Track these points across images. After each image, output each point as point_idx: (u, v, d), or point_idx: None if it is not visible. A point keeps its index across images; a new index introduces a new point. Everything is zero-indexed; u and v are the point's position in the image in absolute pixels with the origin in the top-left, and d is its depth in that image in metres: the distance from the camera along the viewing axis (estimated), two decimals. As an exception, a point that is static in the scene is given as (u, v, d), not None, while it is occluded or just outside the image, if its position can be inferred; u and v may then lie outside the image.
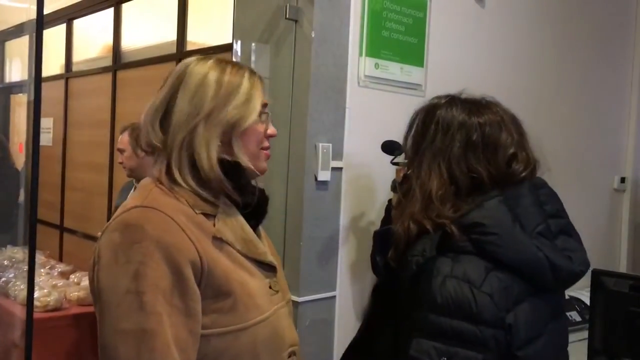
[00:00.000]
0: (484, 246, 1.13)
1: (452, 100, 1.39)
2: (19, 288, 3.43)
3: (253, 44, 2.31)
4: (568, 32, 3.31)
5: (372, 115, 2.42)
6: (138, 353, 0.91)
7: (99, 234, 1.04)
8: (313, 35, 2.19)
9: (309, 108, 2.20)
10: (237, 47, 2.42)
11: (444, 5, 2.63)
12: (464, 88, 1.53)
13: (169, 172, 1.07)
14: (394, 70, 2.44)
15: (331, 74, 2.26)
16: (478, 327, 1.06)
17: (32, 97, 2.02)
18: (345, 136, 2.31)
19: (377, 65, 2.38)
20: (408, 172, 1.35)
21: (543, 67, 3.19)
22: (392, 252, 1.18)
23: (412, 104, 2.58)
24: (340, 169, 2.30)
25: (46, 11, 4.82)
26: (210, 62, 1.15)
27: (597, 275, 2.10)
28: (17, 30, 5.34)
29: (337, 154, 2.28)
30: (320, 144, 2.22)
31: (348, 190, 2.34)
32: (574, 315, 3.08)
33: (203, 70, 1.13)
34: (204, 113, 1.08)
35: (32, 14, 5.28)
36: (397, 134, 2.52)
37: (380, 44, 2.38)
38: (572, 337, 2.93)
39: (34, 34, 4.84)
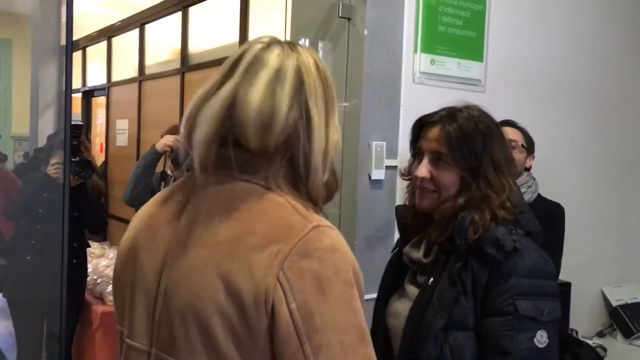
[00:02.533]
0: (524, 223, 1.34)
1: (471, 107, 1.43)
2: (96, 283, 3.62)
3: (306, 41, 2.32)
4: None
5: (427, 112, 2.37)
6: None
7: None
8: (366, 33, 2.19)
9: (363, 106, 2.20)
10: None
11: (505, -4, 2.54)
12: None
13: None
14: (451, 65, 2.39)
15: (385, 72, 2.25)
16: (553, 282, 1.31)
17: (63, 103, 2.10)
18: (400, 134, 2.29)
19: (432, 61, 2.34)
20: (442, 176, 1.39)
21: (618, 60, 3.02)
22: (472, 236, 1.30)
23: (471, 99, 2.52)
24: (395, 167, 2.28)
25: (120, 17, 5.10)
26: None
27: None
28: (97, 36, 5.65)
29: (392, 153, 2.27)
30: (374, 143, 2.21)
31: (403, 189, 2.30)
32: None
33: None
34: None
35: (109, 20, 5.56)
36: None
37: (436, 40, 2.34)
38: None
39: (109, 40, 5.05)
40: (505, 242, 1.26)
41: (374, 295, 2.20)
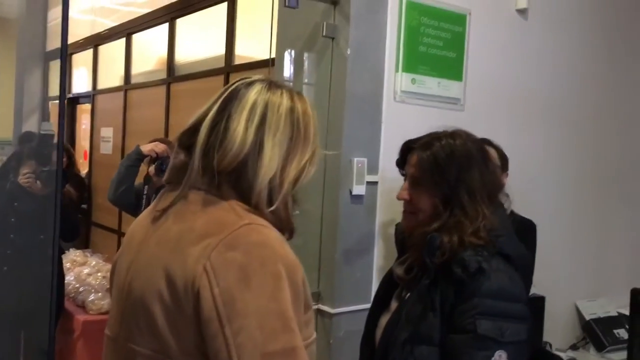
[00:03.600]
0: (500, 245, 1.38)
1: (454, 134, 1.48)
2: (78, 291, 3.63)
3: (292, 53, 2.37)
4: (620, 41, 3.22)
5: (408, 129, 2.38)
6: None
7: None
8: (349, 52, 2.24)
9: (345, 123, 2.24)
10: (280, 61, 2.50)
11: (484, 18, 2.62)
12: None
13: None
14: (431, 84, 2.45)
15: (367, 90, 2.30)
16: (519, 305, 1.33)
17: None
18: (381, 151, 2.34)
19: (413, 81, 2.40)
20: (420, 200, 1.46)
21: (593, 79, 3.11)
22: (439, 257, 1.36)
23: (450, 117, 2.62)
24: (376, 183, 2.33)
25: (108, 25, 5.09)
26: None
27: (637, 294, 2.05)
28: (84, 43, 5.65)
29: (373, 168, 2.32)
30: (356, 159, 2.26)
31: (383, 204, 2.36)
32: (621, 333, 2.99)
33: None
34: None
35: (97, 27, 5.55)
36: None
37: (417, 59, 2.41)
38: (614, 356, 2.86)
39: (95, 48, 5.05)
40: (470, 262, 1.32)
41: (360, 307, 2.26)
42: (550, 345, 2.88)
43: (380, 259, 2.38)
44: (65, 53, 2.10)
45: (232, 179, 0.99)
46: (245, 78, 1.08)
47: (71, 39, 5.97)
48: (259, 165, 1.00)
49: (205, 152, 0.99)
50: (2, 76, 8.59)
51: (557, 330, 2.97)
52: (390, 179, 2.38)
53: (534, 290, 2.75)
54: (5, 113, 7.99)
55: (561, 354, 2.86)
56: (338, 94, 2.27)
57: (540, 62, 2.88)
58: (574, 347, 3.08)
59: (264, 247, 0.93)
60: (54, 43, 6.59)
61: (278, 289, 0.90)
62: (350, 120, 2.25)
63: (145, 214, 1.09)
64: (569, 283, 3.08)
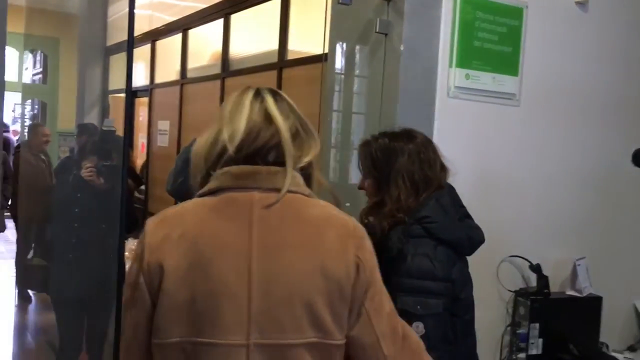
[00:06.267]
0: (431, 231, 1.66)
1: (384, 135, 1.81)
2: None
3: (343, 52, 2.38)
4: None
5: (462, 125, 2.42)
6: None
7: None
8: (402, 49, 2.24)
9: (398, 120, 2.23)
10: (332, 56, 2.51)
11: (542, 11, 2.56)
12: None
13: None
14: (486, 80, 2.42)
15: (420, 86, 2.29)
16: (436, 283, 1.60)
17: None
18: None
19: (467, 76, 2.37)
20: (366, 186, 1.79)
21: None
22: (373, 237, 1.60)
23: (505, 113, 2.58)
24: None
25: (165, 20, 5.22)
26: None
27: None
28: (142, 38, 5.81)
29: None
30: None
31: None
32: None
33: None
34: None
35: (155, 22, 5.69)
36: (488, 144, 2.53)
37: (471, 55, 2.38)
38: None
39: (153, 43, 5.19)
40: (392, 246, 1.63)
41: None
42: (607, 346, 2.81)
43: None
44: (132, 49, 2.17)
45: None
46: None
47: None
48: None
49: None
50: (68, 70, 8.94)
51: (614, 331, 2.90)
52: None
53: (591, 290, 2.70)
54: (69, 106, 8.31)
55: (618, 356, 2.79)
56: (391, 90, 2.27)
57: (600, 57, 2.78)
58: (631, 349, 2.99)
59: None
60: (114, 38, 6.79)
61: None
62: (403, 117, 2.25)
63: (217, 225, 1.06)
64: (627, 283, 2.99)
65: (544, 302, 2.50)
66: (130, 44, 1.85)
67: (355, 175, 2.50)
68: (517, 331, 2.51)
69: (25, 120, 7.75)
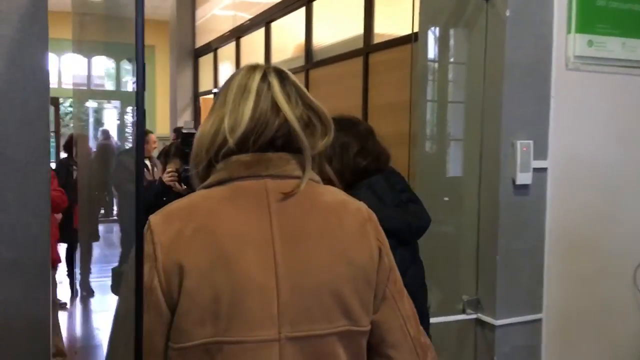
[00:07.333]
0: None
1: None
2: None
3: (436, 30, 2.10)
4: None
5: (585, 103, 2.14)
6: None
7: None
8: (508, 14, 1.97)
9: (504, 99, 1.98)
10: (424, 36, 2.25)
11: (683, -42, 2.13)
12: None
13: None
14: (613, 46, 2.12)
15: (530, 58, 2.02)
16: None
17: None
18: (551, 131, 2.05)
19: (590, 43, 2.08)
20: None
21: None
22: None
23: (638, 85, 2.18)
24: (545, 169, 2.05)
25: (247, 17, 5.17)
26: None
27: None
28: (227, 37, 5.80)
29: (541, 153, 2.04)
30: (519, 142, 2.00)
31: (555, 195, 2.06)
32: None
33: None
34: None
35: (238, 21, 5.67)
36: (621, 125, 2.15)
37: (594, 17, 2.07)
38: None
39: (237, 40, 5.14)
40: None
41: (529, 317, 1.96)
42: None
43: (552, 258, 2.07)
44: (142, 56, 1.98)
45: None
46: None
47: (215, 35, 6.18)
48: None
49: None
50: (162, 76, 9.26)
51: None
52: (564, 164, 2.06)
53: None
54: (164, 110, 8.60)
55: None
56: (495, 65, 2.01)
57: None
58: None
59: None
60: (201, 40, 6.90)
61: None
62: (511, 96, 1.99)
63: (233, 217, 1.01)
64: None
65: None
66: (141, 51, 1.67)
67: (453, 169, 2.24)
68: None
69: (127, 126, 8.05)
